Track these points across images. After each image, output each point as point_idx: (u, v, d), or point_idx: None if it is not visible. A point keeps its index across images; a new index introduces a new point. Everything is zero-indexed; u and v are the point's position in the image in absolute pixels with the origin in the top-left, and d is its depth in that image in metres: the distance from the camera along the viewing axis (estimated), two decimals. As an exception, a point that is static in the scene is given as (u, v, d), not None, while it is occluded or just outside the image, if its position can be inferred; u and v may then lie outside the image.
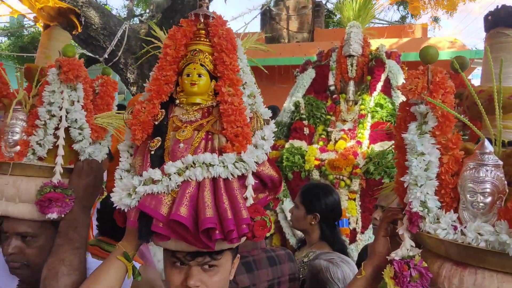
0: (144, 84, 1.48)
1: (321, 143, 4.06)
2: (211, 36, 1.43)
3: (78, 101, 1.58)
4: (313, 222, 2.59)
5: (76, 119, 1.57)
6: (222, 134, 1.32)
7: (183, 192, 1.23)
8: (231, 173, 1.26)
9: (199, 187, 1.24)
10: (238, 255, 1.46)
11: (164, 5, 7.19)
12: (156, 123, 1.37)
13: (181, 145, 1.30)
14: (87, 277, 1.41)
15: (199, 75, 1.39)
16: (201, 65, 1.40)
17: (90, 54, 6.93)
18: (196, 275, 1.28)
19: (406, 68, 4.33)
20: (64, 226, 1.52)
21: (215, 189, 1.25)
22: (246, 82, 1.42)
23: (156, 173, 1.25)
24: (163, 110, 1.39)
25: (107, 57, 6.42)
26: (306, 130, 4.21)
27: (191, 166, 1.24)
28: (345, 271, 2.10)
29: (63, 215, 1.52)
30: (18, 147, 1.54)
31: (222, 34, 1.40)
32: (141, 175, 1.29)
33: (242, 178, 1.30)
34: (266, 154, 1.35)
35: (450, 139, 1.16)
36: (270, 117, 1.43)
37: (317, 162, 3.86)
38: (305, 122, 4.22)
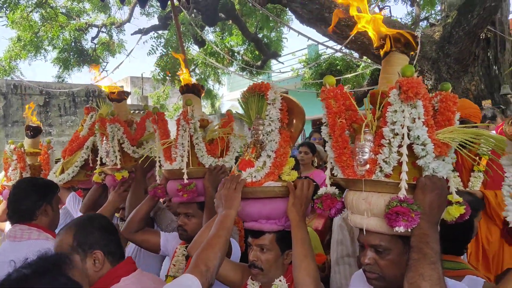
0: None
1: None
2: None
3: (419, 118, 1.60)
4: None
5: (418, 136, 1.60)
6: None
7: None
8: None
9: None
10: None
11: (458, 2, 6.69)
12: None
13: None
14: None
15: None
16: None
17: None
18: None
19: None
20: (415, 241, 1.55)
21: None
22: None
23: None
24: None
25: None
26: None
27: None
28: None
29: (409, 230, 1.56)
30: (367, 166, 1.68)
31: None
32: None
33: None
34: None
35: None
36: None
37: None
38: None
